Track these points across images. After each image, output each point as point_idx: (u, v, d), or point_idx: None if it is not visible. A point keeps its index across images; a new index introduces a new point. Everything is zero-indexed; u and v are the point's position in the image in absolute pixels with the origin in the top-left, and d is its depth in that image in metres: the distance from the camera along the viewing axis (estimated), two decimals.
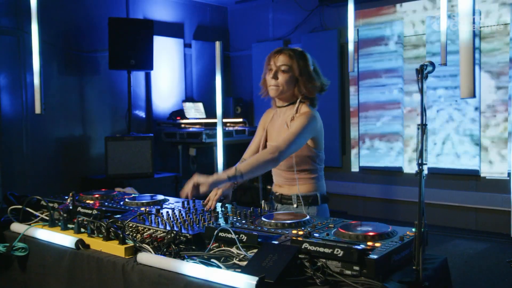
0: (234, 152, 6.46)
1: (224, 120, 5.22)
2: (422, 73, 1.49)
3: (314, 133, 2.23)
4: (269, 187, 6.36)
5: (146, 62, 5.47)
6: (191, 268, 1.53)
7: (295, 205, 2.28)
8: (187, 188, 1.98)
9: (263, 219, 1.88)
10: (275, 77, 2.22)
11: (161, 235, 1.77)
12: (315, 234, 1.64)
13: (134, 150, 5.21)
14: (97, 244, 1.88)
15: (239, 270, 1.49)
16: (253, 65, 6.94)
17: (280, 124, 2.32)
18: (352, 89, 6.16)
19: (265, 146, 2.38)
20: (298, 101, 2.27)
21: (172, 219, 1.97)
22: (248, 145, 2.52)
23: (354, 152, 6.18)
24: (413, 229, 1.62)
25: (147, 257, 1.67)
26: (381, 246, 1.50)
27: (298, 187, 2.26)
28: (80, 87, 5.60)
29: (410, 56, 5.67)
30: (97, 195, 2.49)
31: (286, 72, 2.21)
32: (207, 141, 5.67)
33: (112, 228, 1.86)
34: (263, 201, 2.41)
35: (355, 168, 6.18)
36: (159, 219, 1.94)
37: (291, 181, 2.29)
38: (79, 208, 2.14)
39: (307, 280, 1.43)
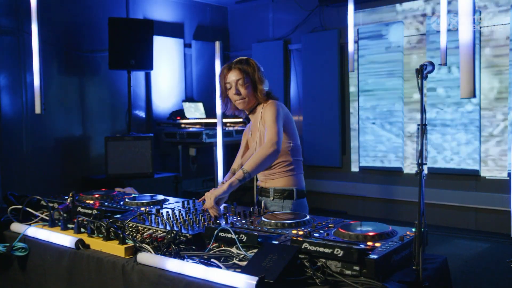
0: (234, 152, 6.42)
1: (224, 120, 5.22)
2: (421, 73, 1.49)
3: (284, 118, 2.36)
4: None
5: (146, 62, 5.47)
6: (191, 268, 1.53)
7: (271, 198, 2.39)
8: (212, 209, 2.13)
9: (263, 219, 1.88)
10: (238, 92, 2.40)
11: (161, 235, 1.77)
12: (315, 234, 1.64)
13: (134, 150, 5.21)
14: (97, 244, 1.88)
15: (239, 270, 1.49)
16: None
17: (253, 129, 2.48)
18: (352, 89, 6.16)
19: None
20: (262, 103, 2.42)
21: (172, 219, 1.97)
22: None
23: (354, 152, 6.17)
24: (413, 229, 1.62)
25: (147, 257, 1.67)
26: (381, 246, 1.50)
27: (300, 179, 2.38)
28: (80, 87, 5.60)
29: (410, 56, 5.67)
30: (97, 195, 2.49)
31: (243, 84, 2.39)
32: (207, 141, 5.67)
33: (112, 228, 1.86)
34: (263, 201, 2.42)
35: (355, 168, 6.18)
36: (159, 219, 1.94)
37: (270, 176, 2.41)
38: (79, 208, 2.14)
39: (307, 280, 1.43)
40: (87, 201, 2.41)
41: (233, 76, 2.40)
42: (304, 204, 2.43)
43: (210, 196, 2.11)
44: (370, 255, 1.41)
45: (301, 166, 2.45)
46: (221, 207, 2.17)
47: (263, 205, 2.34)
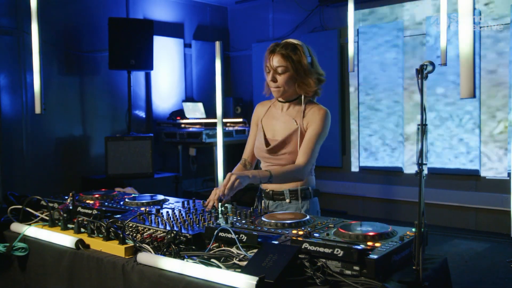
0: (234, 152, 6.46)
1: (224, 120, 5.23)
2: (422, 73, 1.48)
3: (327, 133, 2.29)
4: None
5: (146, 62, 5.47)
6: (191, 268, 1.53)
7: (287, 200, 2.30)
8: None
9: (263, 219, 1.88)
10: (274, 79, 2.22)
11: (161, 235, 1.77)
12: (315, 234, 1.64)
13: (134, 150, 5.21)
14: (97, 244, 1.88)
15: (239, 270, 1.49)
16: (253, 65, 6.94)
17: (286, 119, 2.31)
18: (352, 89, 6.16)
19: (265, 140, 2.35)
20: (302, 97, 2.28)
21: (172, 219, 1.97)
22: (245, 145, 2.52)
23: (354, 152, 6.18)
24: (413, 229, 1.62)
25: (147, 257, 1.66)
26: (381, 246, 1.50)
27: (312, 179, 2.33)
28: (80, 87, 5.60)
29: (410, 55, 5.67)
30: (97, 195, 2.49)
31: (283, 73, 2.21)
32: (207, 141, 5.67)
33: (112, 228, 1.86)
34: (263, 201, 2.41)
35: (355, 168, 6.18)
36: (159, 219, 1.94)
37: None
38: (79, 208, 2.14)
39: (307, 280, 1.43)
40: (87, 201, 2.41)
41: (274, 62, 2.20)
42: (317, 202, 2.39)
43: (231, 175, 2.04)
44: (370, 255, 1.41)
45: (314, 167, 2.38)
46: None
47: (262, 206, 2.34)
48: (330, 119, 2.29)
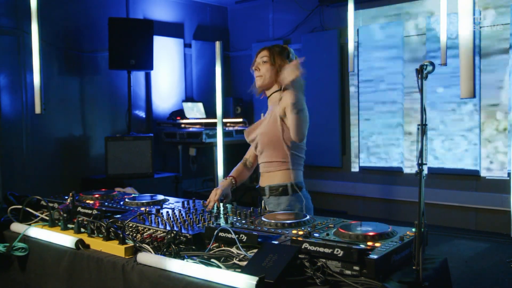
0: (234, 152, 6.45)
1: (224, 120, 5.22)
2: (422, 73, 1.48)
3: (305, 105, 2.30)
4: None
5: (146, 62, 5.47)
6: (191, 268, 1.53)
7: (267, 196, 2.35)
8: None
9: (263, 219, 1.88)
10: (257, 68, 2.41)
11: (161, 235, 1.77)
12: (315, 234, 1.64)
13: (134, 150, 5.21)
14: (97, 244, 1.88)
15: (239, 270, 1.49)
16: None
17: (272, 110, 2.40)
18: (352, 89, 6.16)
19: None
20: (282, 88, 2.35)
21: (172, 219, 1.97)
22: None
23: (354, 152, 6.17)
24: (413, 229, 1.62)
25: (147, 257, 1.67)
26: (381, 246, 1.50)
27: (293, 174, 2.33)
28: (80, 87, 5.60)
29: (410, 55, 5.67)
30: (97, 195, 2.49)
31: (266, 62, 2.39)
32: (207, 141, 5.67)
33: (112, 228, 1.86)
34: (263, 201, 2.41)
35: (355, 168, 6.18)
36: (159, 219, 1.94)
37: (268, 170, 2.36)
38: (79, 208, 2.14)
39: (307, 280, 1.43)
40: (87, 201, 2.41)
41: (260, 55, 2.43)
42: (302, 197, 2.33)
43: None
44: (370, 255, 1.41)
45: (300, 162, 2.37)
46: None
47: (263, 205, 2.34)
48: (302, 96, 2.32)
